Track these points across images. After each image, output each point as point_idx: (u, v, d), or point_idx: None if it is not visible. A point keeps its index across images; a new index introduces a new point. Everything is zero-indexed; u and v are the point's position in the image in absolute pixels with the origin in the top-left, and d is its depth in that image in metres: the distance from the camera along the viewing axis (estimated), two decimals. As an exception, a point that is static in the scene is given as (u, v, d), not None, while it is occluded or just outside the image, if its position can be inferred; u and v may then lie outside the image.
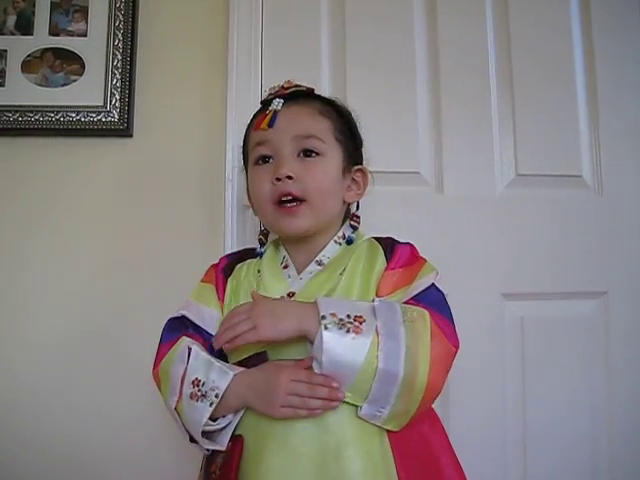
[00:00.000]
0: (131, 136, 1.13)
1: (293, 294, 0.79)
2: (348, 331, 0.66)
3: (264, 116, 0.82)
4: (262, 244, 0.88)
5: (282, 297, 0.78)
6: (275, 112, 0.81)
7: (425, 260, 0.81)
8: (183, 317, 0.80)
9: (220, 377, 0.70)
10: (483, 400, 1.09)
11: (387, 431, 0.70)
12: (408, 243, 0.82)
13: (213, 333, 0.77)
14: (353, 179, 0.87)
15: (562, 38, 1.20)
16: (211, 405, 0.69)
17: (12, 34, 1.13)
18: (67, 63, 1.13)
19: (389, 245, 0.81)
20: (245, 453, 0.70)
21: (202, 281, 0.86)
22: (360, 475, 0.67)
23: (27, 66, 1.12)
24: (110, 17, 1.13)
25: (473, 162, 1.14)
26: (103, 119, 1.11)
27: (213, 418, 0.71)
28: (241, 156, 0.92)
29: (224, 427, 0.72)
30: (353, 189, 0.87)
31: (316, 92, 0.88)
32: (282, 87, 0.84)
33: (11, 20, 1.13)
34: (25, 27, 1.13)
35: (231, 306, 0.80)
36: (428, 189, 1.14)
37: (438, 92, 1.15)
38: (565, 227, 1.15)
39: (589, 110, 1.19)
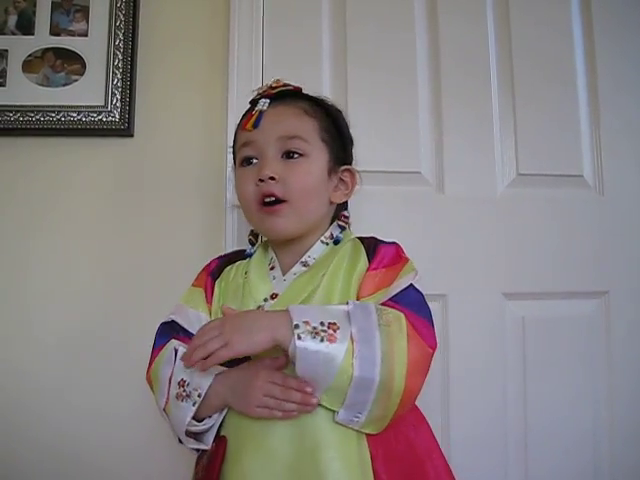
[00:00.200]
0: (132, 136, 1.13)
1: (276, 295, 0.79)
2: (322, 340, 0.64)
3: (250, 116, 0.82)
4: (252, 244, 0.89)
5: (259, 306, 0.78)
6: (261, 112, 0.81)
7: (408, 260, 0.80)
8: (173, 322, 0.81)
9: (202, 377, 0.71)
10: (484, 400, 1.09)
11: (367, 434, 0.70)
12: (393, 243, 0.82)
13: None
14: (341, 179, 0.86)
15: (563, 38, 1.20)
16: (194, 405, 0.70)
17: (13, 34, 1.13)
18: (68, 63, 1.13)
19: (371, 245, 0.81)
20: (227, 454, 0.71)
21: (192, 285, 0.86)
22: (336, 477, 0.66)
23: (28, 66, 1.12)
24: (111, 17, 1.13)
25: (474, 162, 1.14)
26: (104, 119, 1.11)
27: (199, 419, 0.72)
28: None
29: (210, 427, 0.73)
30: (340, 189, 0.86)
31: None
32: (270, 87, 0.84)
33: (12, 20, 1.13)
34: (26, 27, 1.13)
35: (219, 308, 0.81)
36: (429, 189, 1.14)
37: (439, 92, 1.15)
38: (566, 227, 1.15)
39: (590, 110, 1.19)
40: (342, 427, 0.68)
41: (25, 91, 1.11)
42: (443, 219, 1.13)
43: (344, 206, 0.89)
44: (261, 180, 0.79)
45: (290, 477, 0.67)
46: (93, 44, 1.13)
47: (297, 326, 0.65)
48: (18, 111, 1.11)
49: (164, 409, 0.74)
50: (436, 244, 1.12)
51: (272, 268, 0.83)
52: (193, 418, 0.71)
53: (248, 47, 1.12)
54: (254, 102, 0.84)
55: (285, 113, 0.82)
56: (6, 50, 1.12)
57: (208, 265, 0.88)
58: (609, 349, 1.13)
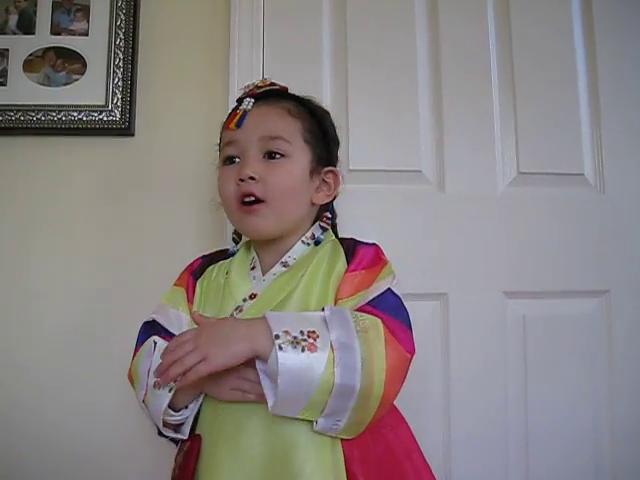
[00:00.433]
0: (133, 135, 1.13)
1: (255, 295, 0.79)
2: (303, 349, 0.63)
3: (234, 115, 0.82)
4: (236, 242, 0.89)
5: (238, 306, 0.78)
6: (245, 112, 0.81)
7: (386, 262, 0.80)
8: (154, 321, 0.81)
9: None
10: (485, 398, 1.09)
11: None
12: (373, 244, 0.82)
13: None
14: (324, 180, 0.86)
15: (563, 36, 1.20)
16: (170, 391, 0.70)
17: (14, 33, 1.13)
18: (69, 62, 1.13)
19: (350, 246, 0.81)
20: (202, 452, 0.72)
21: (174, 284, 0.87)
22: (309, 479, 0.66)
23: (29, 65, 1.12)
24: (111, 16, 1.13)
25: (475, 160, 1.14)
26: (105, 118, 1.11)
27: (176, 408, 0.72)
28: None
29: (186, 418, 0.73)
30: (323, 190, 0.86)
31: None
32: (256, 86, 0.85)
33: (13, 19, 1.14)
34: (27, 26, 1.14)
35: (200, 308, 0.82)
36: (430, 187, 1.14)
37: (440, 90, 1.15)
38: (567, 225, 1.15)
39: (591, 108, 1.19)
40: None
41: (26, 90, 1.11)
42: (444, 218, 1.13)
43: (327, 207, 0.89)
44: (241, 180, 0.79)
45: (263, 477, 0.67)
46: (94, 43, 1.13)
47: (277, 336, 0.64)
48: (19, 110, 1.11)
49: (143, 401, 0.74)
50: (437, 243, 1.12)
51: (253, 268, 0.83)
52: (170, 408, 0.71)
53: (249, 45, 1.12)
54: (240, 101, 0.84)
55: (269, 113, 0.82)
56: (7, 49, 1.12)
57: (191, 264, 0.89)
58: (610, 348, 1.13)
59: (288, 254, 0.82)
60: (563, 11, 1.21)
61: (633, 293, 1.15)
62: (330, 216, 0.87)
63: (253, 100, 0.82)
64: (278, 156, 0.80)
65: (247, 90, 0.85)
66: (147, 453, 1.05)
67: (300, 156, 0.82)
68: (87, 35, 1.13)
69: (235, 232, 0.90)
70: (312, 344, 0.64)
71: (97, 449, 1.06)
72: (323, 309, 0.69)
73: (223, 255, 0.88)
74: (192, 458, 0.71)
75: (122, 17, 1.13)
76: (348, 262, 0.78)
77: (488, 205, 1.14)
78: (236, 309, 0.78)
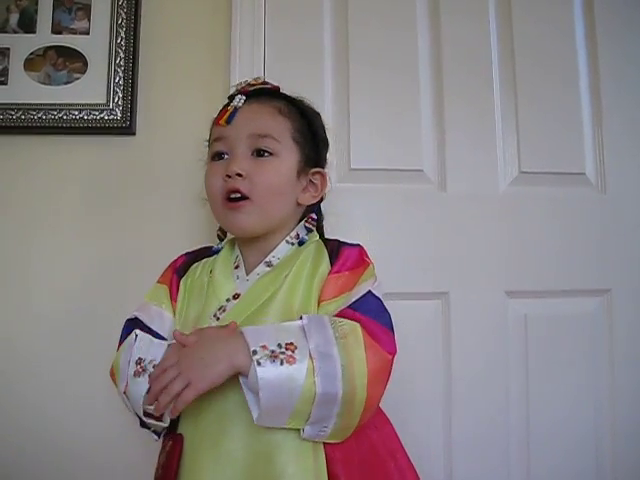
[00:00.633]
0: (134, 134, 1.13)
1: (238, 295, 0.79)
2: (282, 363, 0.64)
3: (225, 112, 0.82)
4: (221, 239, 0.89)
5: (221, 306, 0.78)
6: (235, 109, 0.81)
7: (369, 264, 0.80)
8: (137, 318, 0.81)
9: (157, 349, 0.73)
10: (486, 398, 1.09)
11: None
12: (357, 245, 0.81)
13: (164, 334, 0.79)
14: (311, 181, 0.86)
15: (565, 37, 1.20)
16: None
17: (15, 32, 1.13)
18: (70, 61, 1.13)
19: (334, 248, 0.80)
20: (184, 452, 0.71)
21: (157, 281, 0.86)
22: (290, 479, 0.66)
23: (30, 64, 1.12)
24: (112, 15, 1.13)
25: (476, 160, 1.14)
26: (106, 117, 1.11)
27: None
28: None
29: None
30: (310, 191, 0.86)
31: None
32: (248, 84, 0.85)
33: (14, 18, 1.13)
34: (28, 25, 1.13)
35: (184, 306, 0.82)
36: (431, 187, 1.14)
37: (441, 90, 1.15)
38: (568, 225, 1.15)
39: (592, 108, 1.19)
40: (298, 432, 0.68)
41: (27, 89, 1.11)
42: (445, 217, 1.13)
43: (314, 208, 0.88)
44: (228, 176, 0.79)
45: (246, 478, 0.67)
46: (95, 42, 1.13)
47: (255, 352, 0.64)
48: (20, 109, 1.10)
49: (124, 392, 0.74)
50: (438, 242, 1.12)
51: (237, 267, 0.83)
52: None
53: (250, 44, 1.12)
54: (232, 97, 0.84)
55: (259, 111, 0.82)
56: (8, 48, 1.12)
57: (174, 261, 0.88)
58: (611, 347, 1.13)
59: (272, 254, 0.82)
60: (565, 11, 1.21)
61: (634, 292, 1.15)
62: (315, 217, 0.86)
63: (244, 97, 0.82)
64: (266, 154, 0.80)
65: (239, 87, 0.85)
66: (142, 448, 1.05)
67: (288, 155, 0.82)
68: (88, 34, 1.13)
69: (220, 229, 0.90)
70: (290, 356, 0.64)
71: (95, 445, 1.06)
72: (301, 317, 0.69)
73: (207, 252, 0.88)
74: (174, 458, 0.71)
75: (123, 16, 1.13)
76: (332, 263, 0.78)
77: (489, 204, 1.14)
78: (219, 309, 0.78)
